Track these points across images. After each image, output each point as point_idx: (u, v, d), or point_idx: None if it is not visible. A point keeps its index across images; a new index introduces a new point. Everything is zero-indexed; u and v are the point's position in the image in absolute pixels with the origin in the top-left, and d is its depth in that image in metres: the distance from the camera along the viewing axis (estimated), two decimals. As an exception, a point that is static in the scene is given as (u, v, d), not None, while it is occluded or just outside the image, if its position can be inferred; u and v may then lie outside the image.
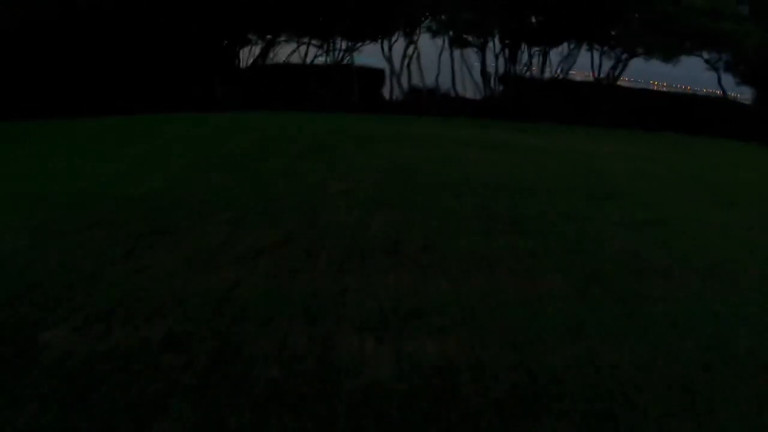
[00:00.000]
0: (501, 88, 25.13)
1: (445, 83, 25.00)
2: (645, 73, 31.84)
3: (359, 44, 25.02)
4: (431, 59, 25.14)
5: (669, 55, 21.45)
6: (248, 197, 6.32)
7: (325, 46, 24.81)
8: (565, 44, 25.46)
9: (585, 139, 15.24)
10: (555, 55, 26.08)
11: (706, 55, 24.70)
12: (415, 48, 23.23)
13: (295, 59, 25.55)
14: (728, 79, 25.44)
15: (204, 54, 22.40)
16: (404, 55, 22.65)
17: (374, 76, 26.62)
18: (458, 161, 9.44)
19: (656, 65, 26.95)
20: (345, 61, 24.33)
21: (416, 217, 5.84)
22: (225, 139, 10.71)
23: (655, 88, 27.23)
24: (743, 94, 26.63)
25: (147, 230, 4.99)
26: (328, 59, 24.33)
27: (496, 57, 26.19)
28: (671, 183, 9.63)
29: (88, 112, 18.41)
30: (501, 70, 25.82)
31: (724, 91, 25.20)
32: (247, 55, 25.55)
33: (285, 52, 27.49)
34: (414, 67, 24.05)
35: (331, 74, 23.12)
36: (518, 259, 4.78)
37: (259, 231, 5.10)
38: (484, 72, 26.16)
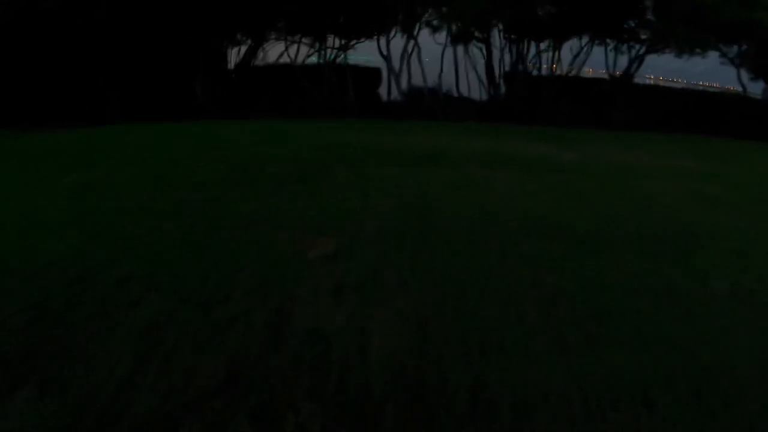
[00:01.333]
0: (507, 87, 22.98)
1: (447, 82, 22.87)
2: (654, 69, 29.55)
3: (354, 42, 22.84)
4: (433, 56, 22.98)
5: (699, 49, 19.27)
6: (184, 272, 4.16)
7: (317, 45, 22.61)
8: (576, 39, 23.43)
9: (615, 148, 13.08)
10: (565, 50, 24.15)
11: (724, 48, 22.65)
12: (415, 44, 21.04)
13: (286, 59, 23.52)
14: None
15: (185, 55, 20.16)
16: (403, 53, 20.43)
17: (370, 75, 24.40)
18: (483, 190, 7.25)
19: (666, 60, 24.85)
20: (338, 61, 22.12)
21: (447, 315, 3.67)
22: (185, 163, 8.52)
23: (678, 85, 24.98)
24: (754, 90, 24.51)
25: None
26: (320, 59, 22.12)
27: (501, 53, 24.07)
28: (750, 213, 7.48)
29: (50, 121, 16.28)
30: (507, 67, 23.83)
31: (744, 87, 23.10)
32: (233, 56, 23.39)
33: (275, 51, 25.41)
34: (414, 65, 21.93)
35: (324, 75, 20.91)
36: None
37: (179, 366, 2.93)
38: (489, 70, 24.03)
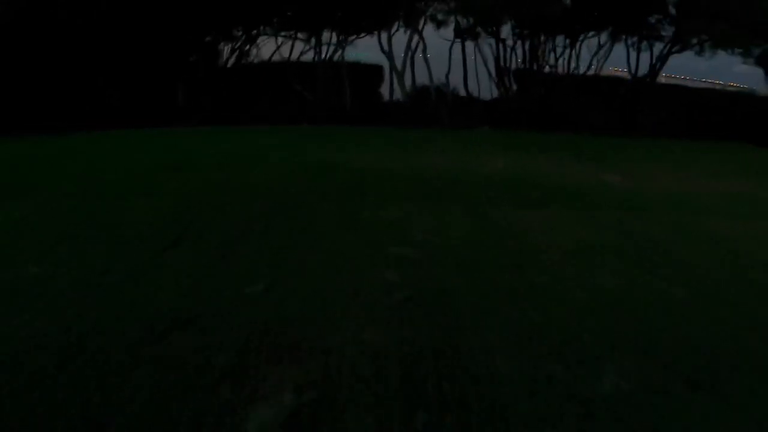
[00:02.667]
0: (520, 87, 20.61)
1: (454, 81, 20.50)
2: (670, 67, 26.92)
3: (353, 37, 20.48)
4: (439, 53, 20.62)
5: (740, 47, 16.84)
6: None
7: (313, 41, 20.24)
8: (594, 36, 21.04)
9: (659, 165, 10.71)
10: (583, 48, 21.75)
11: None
12: (420, 39, 18.65)
13: (281, 57, 21.16)
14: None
15: (165, 54, 17.79)
16: (407, 49, 18.05)
17: (370, 73, 22.02)
18: (528, 250, 4.92)
19: (679, 58, 22.36)
20: (336, 58, 19.76)
21: None
22: (113, 206, 6.19)
23: (717, 86, 22.48)
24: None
25: None
26: (316, 56, 19.76)
27: (512, 50, 21.66)
28: None
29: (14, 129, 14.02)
30: (520, 65, 21.42)
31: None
32: (221, 55, 21.00)
33: (268, 48, 22.96)
34: (418, 62, 19.57)
35: (319, 73, 18.57)
36: None
37: None
38: (498, 68, 21.64)
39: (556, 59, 20.93)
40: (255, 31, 20.24)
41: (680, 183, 8.96)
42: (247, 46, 20.49)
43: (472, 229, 5.38)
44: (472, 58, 22.53)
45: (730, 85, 22.31)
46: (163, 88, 18.21)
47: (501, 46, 21.13)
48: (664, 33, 20.19)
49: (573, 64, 21.01)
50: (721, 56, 20.08)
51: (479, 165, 9.05)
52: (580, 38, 20.86)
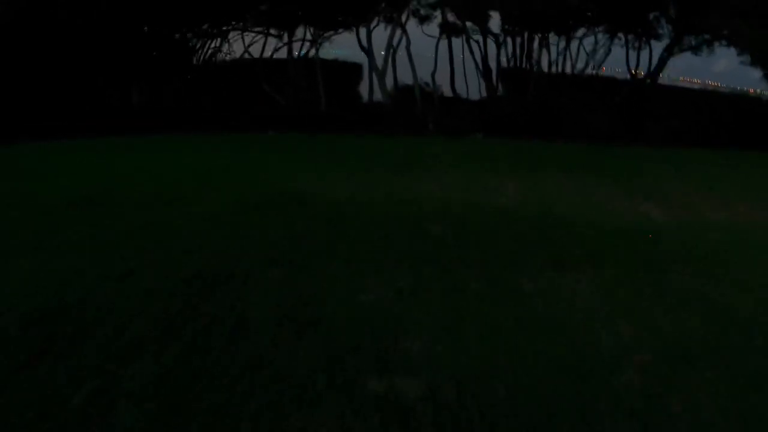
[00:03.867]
0: (514, 87, 18.58)
1: (439, 80, 18.44)
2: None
3: (330, 33, 18.29)
4: (423, 51, 18.55)
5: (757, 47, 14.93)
6: None
7: (285, 37, 18.00)
8: (590, 33, 19.14)
9: (686, 186, 8.73)
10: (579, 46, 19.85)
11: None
12: (403, 34, 16.51)
13: (248, 55, 18.88)
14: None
15: (119, 52, 15.41)
16: (389, 45, 15.92)
17: (348, 72, 19.86)
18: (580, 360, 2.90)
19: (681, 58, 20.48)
20: (310, 55, 17.54)
21: None
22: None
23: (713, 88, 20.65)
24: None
25: None
26: (288, 54, 17.52)
27: (503, 47, 19.65)
28: None
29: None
30: (508, 63, 19.43)
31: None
32: (191, 52, 18.61)
33: (238, 46, 20.58)
34: (402, 60, 17.48)
35: (291, 73, 16.38)
36: None
37: None
38: (486, 67, 19.63)
39: (550, 58, 19.02)
40: (225, 27, 17.92)
41: (732, 211, 7.04)
42: (214, 43, 18.21)
43: (500, 323, 3.34)
44: (460, 56, 20.29)
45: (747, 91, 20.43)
46: (117, 88, 15.87)
47: (490, 42, 19.22)
48: (661, 31, 18.37)
49: (568, 64, 19.19)
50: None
51: (487, 193, 7.01)
52: (576, 35, 18.98)
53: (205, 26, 17.93)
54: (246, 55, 17.78)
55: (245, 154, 9.22)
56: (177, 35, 17.83)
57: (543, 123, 14.60)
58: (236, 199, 6.35)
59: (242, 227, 5.38)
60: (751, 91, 19.29)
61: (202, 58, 18.77)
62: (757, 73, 16.92)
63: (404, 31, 15.62)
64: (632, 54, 18.52)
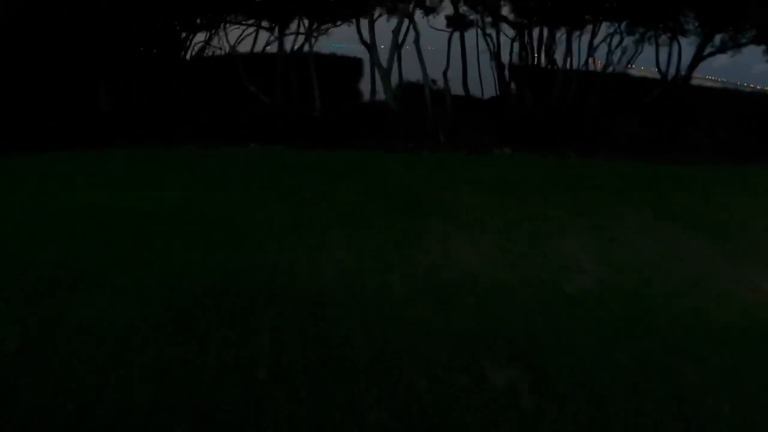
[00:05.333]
0: (517, 84, 16.04)
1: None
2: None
3: (327, 26, 15.72)
4: (428, 45, 15.94)
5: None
6: None
7: (277, 30, 15.37)
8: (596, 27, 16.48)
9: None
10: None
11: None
12: (411, 26, 13.88)
13: (245, 49, 16.25)
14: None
15: (85, 50, 12.79)
16: (395, 39, 13.31)
17: (347, 68, 17.35)
18: None
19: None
20: (305, 49, 14.94)
21: None
22: None
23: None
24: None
25: None
26: (280, 49, 14.92)
27: (519, 42, 17.12)
28: None
29: None
30: (529, 62, 16.90)
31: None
32: (175, 47, 15.98)
33: (230, 39, 17.89)
34: (406, 55, 14.91)
35: (279, 71, 13.81)
36: None
37: None
38: (499, 64, 17.11)
39: (571, 55, 16.45)
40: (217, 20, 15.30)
41: None
42: (205, 36, 15.63)
43: None
44: (464, 51, 17.72)
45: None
46: (83, 90, 13.26)
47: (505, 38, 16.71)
48: (687, 27, 15.78)
49: (588, 61, 16.61)
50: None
51: (556, 272, 4.54)
52: (597, 30, 16.38)
53: (198, 20, 15.35)
54: (232, 51, 15.15)
55: (195, 192, 6.67)
56: (169, 29, 15.24)
57: (574, 132, 12.11)
58: (147, 295, 3.85)
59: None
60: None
61: (190, 53, 16.22)
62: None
63: (413, 23, 13.03)
64: (662, 51, 15.98)
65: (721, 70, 18.41)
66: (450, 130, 11.08)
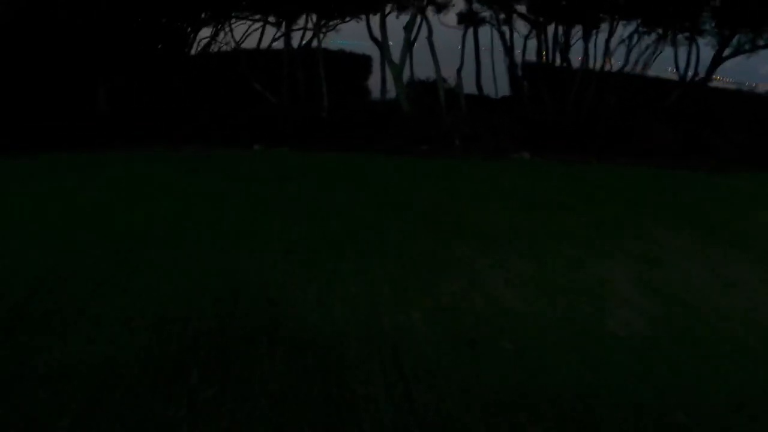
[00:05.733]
0: (530, 83, 15.37)
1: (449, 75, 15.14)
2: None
3: (336, 22, 15.13)
4: (442, 43, 15.31)
5: None
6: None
7: (284, 25, 14.74)
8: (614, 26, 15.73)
9: None
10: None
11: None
12: (423, 22, 13.23)
13: (251, 45, 15.66)
14: None
15: (85, 50, 12.20)
16: (408, 36, 12.65)
17: (356, 65, 16.74)
18: None
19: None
20: (313, 45, 14.34)
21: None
22: None
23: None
24: None
25: None
26: (286, 45, 14.29)
27: (525, 41, 16.47)
28: None
29: None
30: (547, 60, 16.22)
31: None
32: (181, 44, 15.34)
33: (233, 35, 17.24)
34: (418, 52, 14.26)
35: (285, 69, 13.20)
36: None
37: None
38: (512, 63, 16.50)
39: (587, 55, 15.77)
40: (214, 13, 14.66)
41: None
42: (212, 31, 15.03)
43: None
44: (477, 49, 17.08)
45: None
46: (83, 90, 12.65)
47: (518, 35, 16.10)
48: (704, 27, 15.09)
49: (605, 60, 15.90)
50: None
51: (596, 312, 3.95)
52: (614, 29, 15.66)
53: (203, 14, 14.73)
54: (236, 47, 14.53)
55: (192, 202, 6.08)
56: (173, 24, 14.64)
57: (594, 136, 11.49)
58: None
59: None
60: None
61: (195, 49, 15.61)
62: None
63: (426, 19, 12.40)
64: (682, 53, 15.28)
65: (730, 70, 17.64)
66: (465, 133, 10.47)
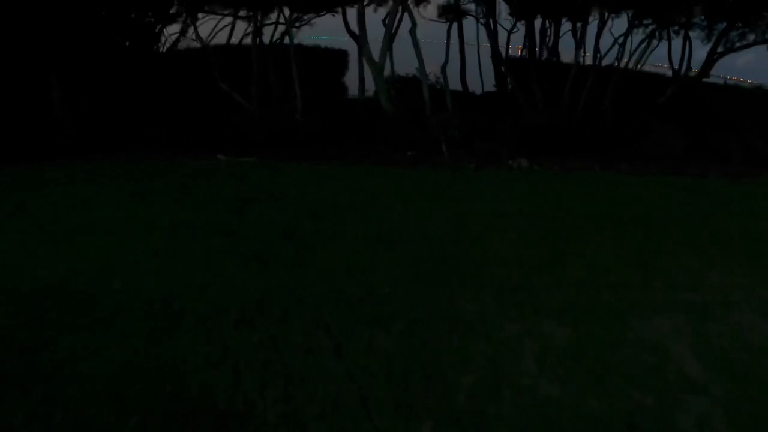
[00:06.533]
0: (516, 80, 14.28)
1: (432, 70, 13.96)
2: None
3: (311, 15, 13.86)
4: (423, 38, 14.12)
5: None
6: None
7: (257, 20, 13.36)
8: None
9: None
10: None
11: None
12: (403, 15, 12.02)
13: (221, 40, 14.25)
14: None
15: (37, 44, 10.68)
16: (389, 30, 11.40)
17: (331, 61, 15.49)
18: None
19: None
20: (285, 41, 13.02)
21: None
22: None
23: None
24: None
25: None
26: (253, 39, 12.92)
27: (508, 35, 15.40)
28: None
29: None
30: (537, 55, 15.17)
31: None
32: (149, 40, 13.84)
33: (204, 31, 15.68)
34: (398, 47, 13.05)
35: (255, 66, 11.89)
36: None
37: None
38: (496, 57, 15.46)
39: (582, 49, 14.73)
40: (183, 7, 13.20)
41: None
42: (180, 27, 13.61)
43: None
44: (462, 44, 15.95)
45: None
46: (33, 91, 11.12)
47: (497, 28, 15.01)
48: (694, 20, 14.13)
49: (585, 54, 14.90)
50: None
51: (662, 401, 2.88)
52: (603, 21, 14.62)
53: (173, 8, 13.26)
54: (201, 44, 13.12)
55: (110, 258, 4.82)
56: (145, 19, 13.16)
57: (594, 138, 10.45)
58: None
59: None
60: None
61: (164, 46, 14.17)
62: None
63: (408, 11, 11.17)
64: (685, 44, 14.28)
65: (743, 69, 16.75)
66: (454, 138, 9.32)
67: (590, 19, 14.32)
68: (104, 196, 6.00)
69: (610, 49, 13.43)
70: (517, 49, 16.54)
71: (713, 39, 13.77)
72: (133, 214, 5.43)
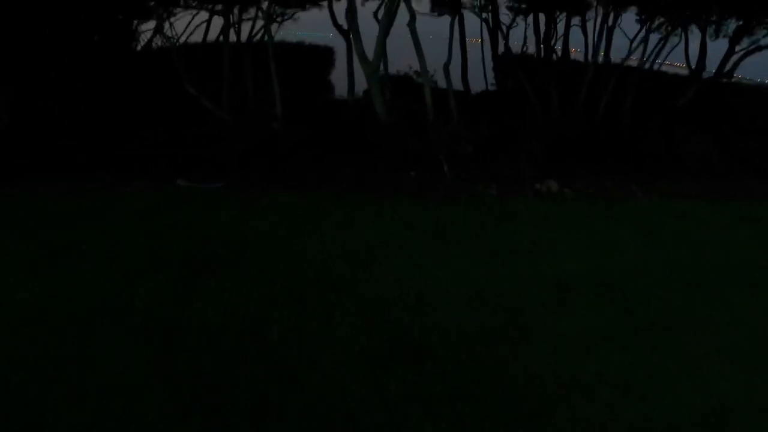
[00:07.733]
0: (513, 79, 12.51)
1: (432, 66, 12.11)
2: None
3: (293, 11, 12.01)
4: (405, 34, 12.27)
5: None
6: None
7: (230, 14, 11.36)
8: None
9: None
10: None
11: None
12: (396, 8, 10.13)
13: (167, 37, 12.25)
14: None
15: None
16: (383, 24, 9.55)
17: (315, 59, 13.62)
18: None
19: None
20: (264, 38, 11.09)
21: None
22: None
23: None
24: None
25: None
26: (224, 38, 10.95)
27: (507, 30, 13.59)
28: None
29: None
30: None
31: None
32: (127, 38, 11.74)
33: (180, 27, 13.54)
34: (392, 43, 11.24)
35: (226, 68, 9.98)
36: None
37: None
38: (496, 56, 13.80)
39: (592, 46, 13.03)
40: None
41: None
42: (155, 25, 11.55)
43: None
44: (463, 39, 14.16)
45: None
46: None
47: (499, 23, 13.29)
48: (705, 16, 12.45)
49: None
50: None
51: None
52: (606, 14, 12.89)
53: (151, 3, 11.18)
54: (167, 44, 11.12)
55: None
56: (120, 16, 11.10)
57: (614, 146, 8.77)
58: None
59: None
60: None
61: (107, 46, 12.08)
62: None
63: (407, 2, 9.31)
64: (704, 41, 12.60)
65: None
66: (465, 153, 7.57)
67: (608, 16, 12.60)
68: (6, 259, 4.18)
69: (631, 47, 11.60)
70: (517, 46, 14.79)
71: (730, 37, 12.21)
72: (35, 289, 3.63)
